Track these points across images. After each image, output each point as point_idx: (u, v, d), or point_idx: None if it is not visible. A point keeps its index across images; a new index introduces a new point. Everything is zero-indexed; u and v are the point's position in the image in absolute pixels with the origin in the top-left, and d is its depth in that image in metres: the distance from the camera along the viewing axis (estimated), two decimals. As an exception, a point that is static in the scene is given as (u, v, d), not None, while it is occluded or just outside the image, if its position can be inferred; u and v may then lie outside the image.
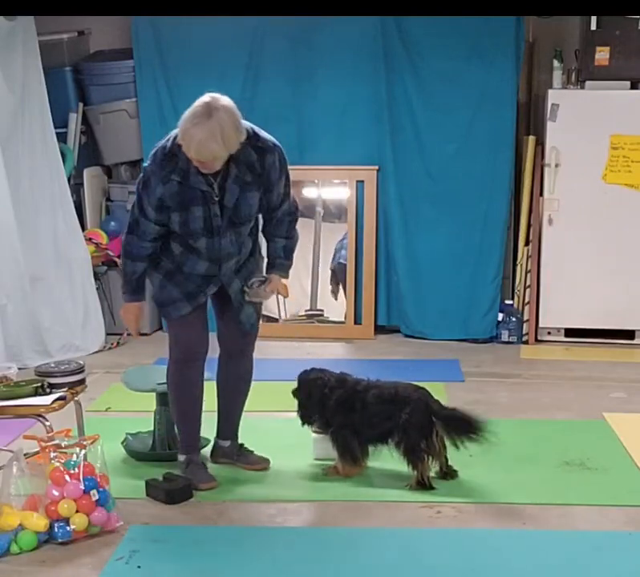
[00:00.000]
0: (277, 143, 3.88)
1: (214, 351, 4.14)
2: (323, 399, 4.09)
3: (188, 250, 3.88)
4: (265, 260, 4.13)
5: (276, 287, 3.97)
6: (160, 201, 3.75)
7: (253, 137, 3.78)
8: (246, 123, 3.79)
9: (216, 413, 4.23)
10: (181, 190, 3.72)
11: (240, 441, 4.27)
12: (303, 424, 4.19)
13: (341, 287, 6.82)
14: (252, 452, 4.26)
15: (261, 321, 4.21)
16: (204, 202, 3.75)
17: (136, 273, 3.92)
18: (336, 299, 6.85)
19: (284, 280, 4.02)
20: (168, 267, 3.93)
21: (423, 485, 3.94)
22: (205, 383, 4.11)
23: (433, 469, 4.02)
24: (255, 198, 3.82)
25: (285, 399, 4.50)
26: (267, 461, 4.22)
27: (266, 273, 4.01)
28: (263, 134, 3.85)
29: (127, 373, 4.51)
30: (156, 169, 3.72)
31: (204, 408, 4.11)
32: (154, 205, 3.76)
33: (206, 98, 3.71)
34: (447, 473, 4.06)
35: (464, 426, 3.96)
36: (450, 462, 4.07)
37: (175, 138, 3.69)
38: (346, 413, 4.05)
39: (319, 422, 4.15)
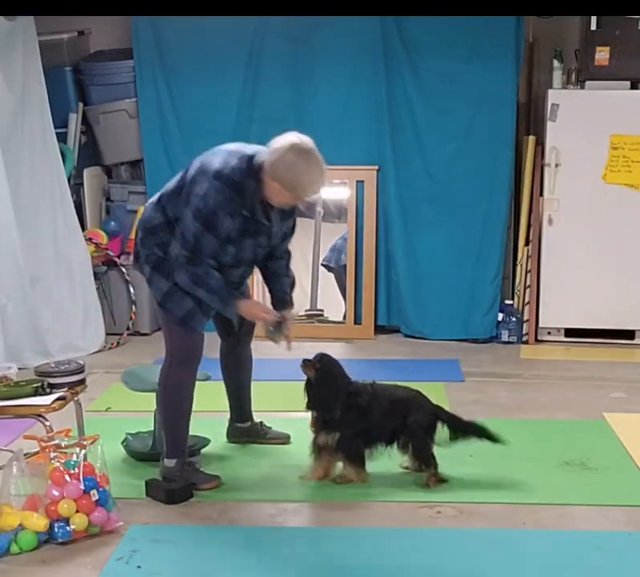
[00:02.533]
0: None
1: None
2: (345, 401, 4.00)
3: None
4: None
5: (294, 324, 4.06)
6: (227, 236, 3.73)
7: None
8: None
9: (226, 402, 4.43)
10: (247, 224, 3.75)
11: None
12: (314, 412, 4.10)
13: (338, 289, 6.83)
14: (271, 428, 4.51)
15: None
16: (257, 234, 3.82)
17: (221, 279, 3.79)
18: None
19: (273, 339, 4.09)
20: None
21: (441, 479, 3.98)
22: (198, 384, 4.13)
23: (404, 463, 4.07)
24: (288, 227, 3.99)
25: (285, 399, 4.50)
26: (288, 435, 4.49)
27: (279, 311, 4.00)
28: None
29: (127, 373, 4.51)
30: (225, 203, 3.67)
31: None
32: (218, 241, 3.71)
33: (295, 139, 3.74)
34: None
35: (470, 428, 4.04)
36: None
37: (243, 171, 3.69)
38: (360, 420, 3.99)
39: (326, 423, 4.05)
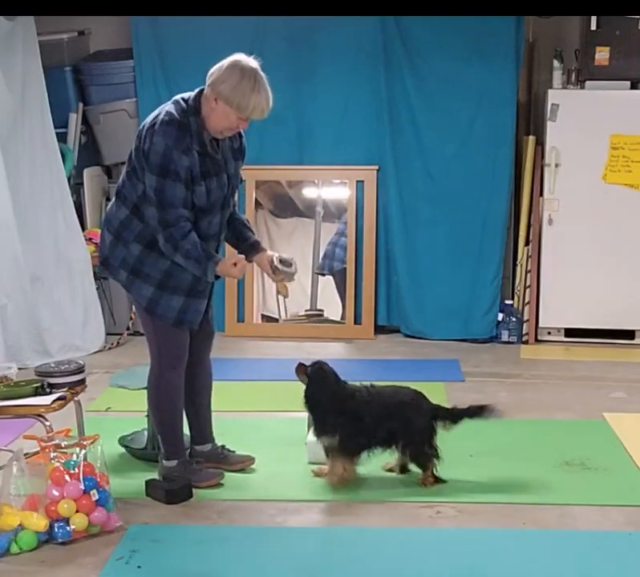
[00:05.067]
0: None
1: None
2: (338, 407, 3.97)
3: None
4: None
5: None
6: (190, 176, 3.60)
7: None
8: None
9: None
10: (201, 160, 3.64)
11: (220, 443, 4.21)
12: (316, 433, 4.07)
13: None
14: (233, 452, 4.19)
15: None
16: (218, 173, 3.70)
17: (197, 243, 3.63)
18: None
19: (286, 282, 3.95)
20: (157, 277, 3.78)
21: (438, 480, 3.97)
22: None
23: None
24: (240, 167, 3.87)
25: (285, 399, 4.51)
26: (251, 458, 4.17)
27: (250, 255, 3.90)
28: None
29: (118, 376, 4.46)
30: (174, 143, 3.55)
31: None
32: (182, 186, 3.58)
33: (237, 58, 3.62)
34: (405, 468, 4.08)
35: (473, 412, 4.08)
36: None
37: (183, 109, 3.61)
38: (354, 424, 3.96)
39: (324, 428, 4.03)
